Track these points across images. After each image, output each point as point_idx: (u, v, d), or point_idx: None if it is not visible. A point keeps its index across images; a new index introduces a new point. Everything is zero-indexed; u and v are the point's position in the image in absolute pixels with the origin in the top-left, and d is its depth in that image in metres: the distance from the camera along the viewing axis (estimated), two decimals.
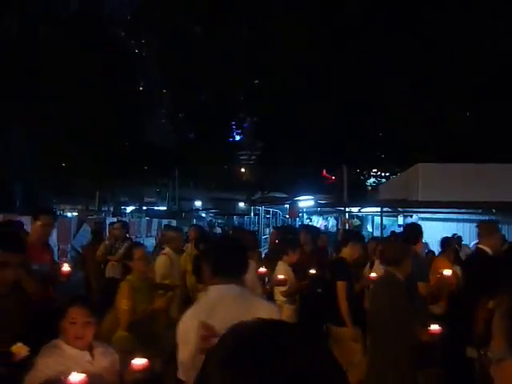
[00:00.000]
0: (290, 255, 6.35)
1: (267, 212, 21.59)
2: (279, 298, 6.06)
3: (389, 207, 14.75)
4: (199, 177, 38.80)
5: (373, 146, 25.60)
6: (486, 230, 5.43)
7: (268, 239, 13.47)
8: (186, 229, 12.86)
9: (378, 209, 14.53)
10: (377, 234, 14.78)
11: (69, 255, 16.32)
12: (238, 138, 35.07)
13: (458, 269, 6.20)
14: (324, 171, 21.73)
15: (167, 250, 6.67)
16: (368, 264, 7.37)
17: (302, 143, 24.42)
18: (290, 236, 7.53)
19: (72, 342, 2.87)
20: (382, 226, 14.24)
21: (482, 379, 2.49)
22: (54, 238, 12.90)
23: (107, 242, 8.88)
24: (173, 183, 39.84)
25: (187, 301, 5.38)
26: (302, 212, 18.23)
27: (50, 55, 26.11)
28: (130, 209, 43.09)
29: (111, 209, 39.31)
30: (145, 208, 42.01)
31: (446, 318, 5.27)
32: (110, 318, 4.53)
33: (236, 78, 26.58)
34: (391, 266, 4.44)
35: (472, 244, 10.78)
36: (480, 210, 12.77)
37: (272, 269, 6.28)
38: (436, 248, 8.94)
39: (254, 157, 36.78)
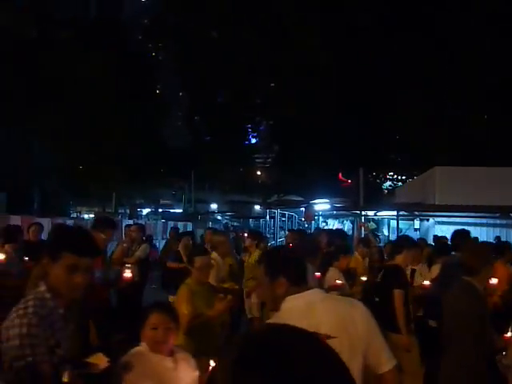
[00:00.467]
0: (340, 260, 6.27)
1: (283, 215, 21.57)
2: None
3: (405, 211, 14.65)
4: (215, 179, 38.91)
5: (389, 149, 25.46)
6: None
7: (284, 242, 13.46)
8: (201, 231, 12.93)
9: (394, 212, 14.43)
10: (393, 237, 14.67)
11: None
12: (253, 140, 35.13)
13: None
14: (340, 175, 21.65)
15: (214, 255, 6.29)
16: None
17: (318, 146, 24.37)
18: (340, 241, 7.35)
19: (155, 348, 2.84)
20: (399, 230, 14.15)
21: None
22: None
23: (124, 245, 8.92)
24: (189, 186, 39.98)
25: None
26: (318, 215, 18.18)
27: (69, 59, 26.44)
28: (145, 211, 43.32)
29: (127, 211, 39.57)
30: (161, 210, 42.21)
31: None
32: None
33: (252, 81, 26.64)
34: (470, 275, 4.29)
35: None
36: (497, 214, 12.61)
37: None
38: None
39: (269, 160, 36.76)
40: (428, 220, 15.47)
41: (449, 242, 7.21)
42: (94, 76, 26.12)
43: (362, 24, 20.97)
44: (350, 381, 0.87)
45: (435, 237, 12.20)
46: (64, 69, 26.33)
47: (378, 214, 17.06)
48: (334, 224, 20.93)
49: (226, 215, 40.34)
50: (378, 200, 22.92)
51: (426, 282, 5.83)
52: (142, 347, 2.88)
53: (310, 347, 0.86)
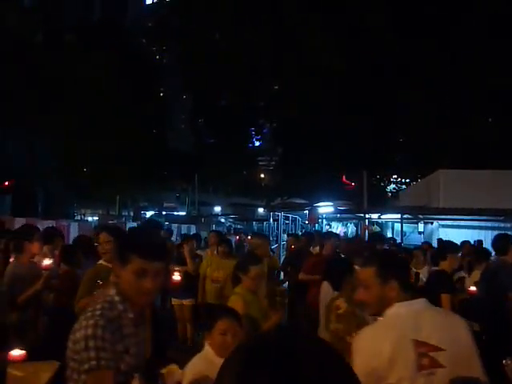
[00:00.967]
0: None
1: (286, 218, 21.54)
2: None
3: (409, 214, 14.62)
4: (219, 182, 38.96)
5: (393, 151, 25.43)
6: None
7: (286, 246, 13.45)
8: (205, 234, 12.93)
9: (399, 215, 14.40)
10: (397, 240, 14.64)
11: None
12: (257, 143, 35.15)
13: None
14: (344, 177, 21.61)
15: None
16: None
17: (321, 149, 24.36)
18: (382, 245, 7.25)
19: (222, 353, 2.85)
20: (403, 233, 14.12)
21: None
22: None
23: None
24: (192, 188, 40.02)
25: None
26: (322, 218, 18.16)
27: (73, 61, 26.56)
28: (149, 214, 43.39)
29: (131, 213, 39.64)
30: (164, 213, 42.27)
31: None
32: None
33: (255, 84, 26.66)
34: None
35: None
36: (502, 217, 12.57)
37: None
38: None
39: (273, 162, 36.79)
40: (432, 223, 15.43)
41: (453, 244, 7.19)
42: (97, 78, 26.23)
43: (364, 25, 20.95)
44: None
45: (439, 240, 12.17)
46: (68, 71, 26.45)
47: (381, 216, 17.03)
48: (337, 227, 20.90)
49: (230, 218, 40.35)
50: (381, 203, 22.88)
51: (473, 288, 5.89)
52: (208, 352, 2.90)
53: (315, 353, 0.85)
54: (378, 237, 8.81)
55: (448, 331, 2.39)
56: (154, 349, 2.47)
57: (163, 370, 2.45)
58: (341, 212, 18.25)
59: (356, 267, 4.48)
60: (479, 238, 12.05)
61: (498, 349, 4.32)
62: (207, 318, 3.01)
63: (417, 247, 9.52)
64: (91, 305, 2.21)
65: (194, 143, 35.44)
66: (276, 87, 28.20)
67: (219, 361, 2.79)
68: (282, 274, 9.34)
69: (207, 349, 2.92)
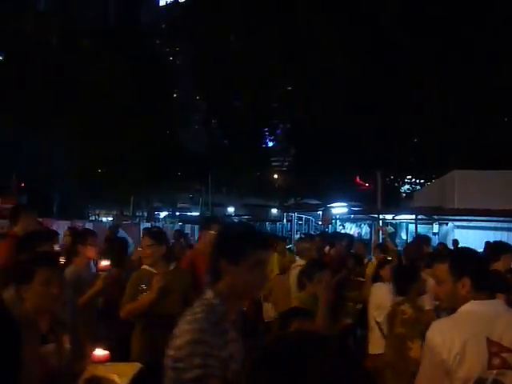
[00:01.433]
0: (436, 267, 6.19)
1: (300, 218, 21.51)
2: None
3: (424, 215, 14.52)
4: (232, 183, 38.99)
5: (408, 151, 25.27)
6: None
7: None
8: None
9: (413, 216, 14.31)
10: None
11: None
12: (270, 144, 35.15)
13: None
14: (357, 178, 21.52)
15: (300, 261, 6.07)
16: None
17: (335, 149, 24.28)
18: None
19: None
20: (417, 234, 14.01)
21: None
22: None
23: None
24: (206, 189, 40.11)
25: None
26: (335, 219, 18.10)
27: (88, 64, 26.82)
28: (163, 214, 43.54)
29: (145, 214, 39.83)
30: (178, 213, 42.41)
31: None
32: None
33: (269, 85, 26.66)
34: None
35: None
36: None
37: None
38: None
39: (286, 163, 36.77)
40: (447, 224, 15.30)
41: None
42: (111, 80, 26.42)
43: (380, 24, 20.86)
44: None
45: (454, 241, 12.07)
46: (83, 72, 26.69)
47: (396, 217, 16.93)
48: (351, 228, 20.83)
49: (243, 218, 40.37)
50: (396, 203, 22.76)
51: None
52: None
53: (327, 356, 0.85)
54: (425, 238, 8.71)
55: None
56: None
57: None
58: (355, 213, 18.20)
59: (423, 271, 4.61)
60: (495, 240, 11.90)
61: None
62: (281, 319, 3.02)
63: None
64: (188, 310, 2.07)
65: (208, 144, 35.54)
66: (289, 88, 28.17)
67: None
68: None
69: None
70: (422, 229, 16.26)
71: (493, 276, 5.76)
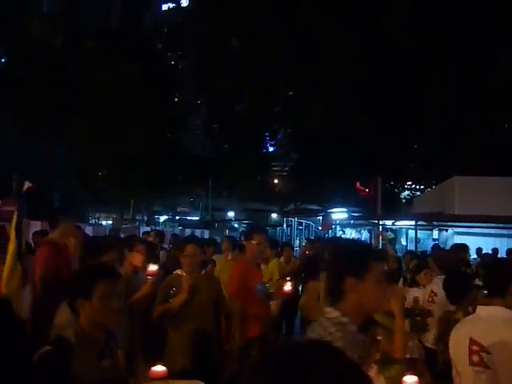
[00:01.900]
0: None
1: (300, 223, 21.52)
2: None
3: (424, 220, 14.52)
4: (232, 187, 38.95)
5: (408, 158, 25.28)
6: None
7: (299, 251, 13.43)
8: (218, 239, 12.93)
9: (413, 222, 14.32)
10: (411, 247, 14.55)
11: None
12: (271, 149, 35.15)
13: None
14: (358, 184, 21.50)
15: None
16: (401, 279, 7.19)
17: (335, 155, 24.29)
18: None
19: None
20: (417, 240, 14.02)
21: None
22: None
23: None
24: (206, 193, 40.09)
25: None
26: (335, 224, 18.11)
27: (90, 66, 26.88)
28: (163, 218, 43.51)
29: (145, 218, 39.79)
30: (178, 218, 42.38)
31: None
32: None
33: (271, 90, 26.70)
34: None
35: None
36: None
37: None
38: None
39: (287, 168, 36.75)
40: (447, 230, 15.30)
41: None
42: (113, 84, 26.45)
43: (381, 25, 20.87)
44: None
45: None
46: (85, 74, 26.75)
47: (396, 223, 16.93)
48: (351, 233, 20.82)
49: (243, 223, 40.35)
50: (395, 209, 22.75)
51: None
52: None
53: (325, 364, 0.86)
54: (464, 246, 8.69)
55: (500, 337, 2.51)
56: None
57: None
58: (355, 218, 18.20)
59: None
60: (495, 246, 11.93)
61: None
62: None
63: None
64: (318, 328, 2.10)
65: (209, 148, 35.56)
66: (291, 93, 28.21)
67: None
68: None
69: None
70: (422, 235, 16.27)
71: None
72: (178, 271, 4.50)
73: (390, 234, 18.01)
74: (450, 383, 2.78)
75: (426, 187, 25.53)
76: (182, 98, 36.85)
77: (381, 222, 15.60)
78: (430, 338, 5.02)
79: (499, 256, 11.45)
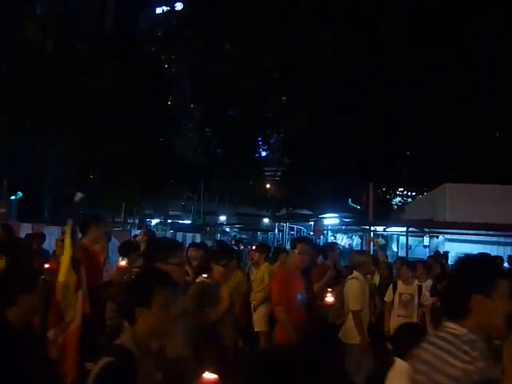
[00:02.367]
0: None
1: (291, 228, 21.53)
2: None
3: (415, 227, 14.58)
4: (225, 191, 38.93)
5: (399, 164, 25.37)
6: None
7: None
8: (209, 243, 12.91)
9: (404, 228, 14.37)
10: (402, 254, 14.61)
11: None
12: (264, 153, 35.17)
13: None
14: (350, 200, 21.41)
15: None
16: (391, 286, 7.21)
17: (327, 160, 24.33)
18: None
19: None
20: (408, 246, 14.07)
21: None
22: None
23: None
24: (198, 197, 40.08)
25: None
26: (327, 230, 18.14)
27: (84, 70, 26.81)
28: (154, 222, 43.39)
29: (136, 221, 39.65)
30: (169, 221, 42.29)
31: None
32: None
33: (264, 95, 26.71)
34: None
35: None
36: (511, 233, 12.51)
37: None
38: None
39: (279, 173, 36.78)
40: (438, 237, 15.38)
41: None
42: (106, 87, 26.39)
43: (376, 36, 20.95)
44: None
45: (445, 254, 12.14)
46: (78, 79, 26.66)
47: (387, 229, 16.98)
48: (342, 239, 20.86)
49: (235, 227, 40.34)
50: (387, 215, 22.82)
51: None
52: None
53: (313, 370, 0.87)
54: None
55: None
56: None
57: None
58: (346, 224, 18.24)
59: None
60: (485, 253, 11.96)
61: None
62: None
63: (420, 260, 9.45)
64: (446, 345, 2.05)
65: (201, 152, 35.52)
66: (284, 98, 28.24)
67: None
68: None
69: None
70: (413, 241, 16.34)
71: None
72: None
73: (382, 240, 18.04)
74: None
75: (417, 194, 25.62)
76: (175, 101, 36.86)
77: (372, 228, 15.65)
78: None
79: None
